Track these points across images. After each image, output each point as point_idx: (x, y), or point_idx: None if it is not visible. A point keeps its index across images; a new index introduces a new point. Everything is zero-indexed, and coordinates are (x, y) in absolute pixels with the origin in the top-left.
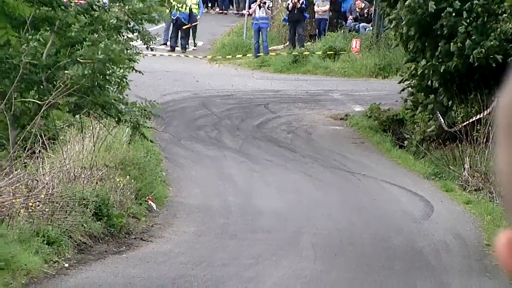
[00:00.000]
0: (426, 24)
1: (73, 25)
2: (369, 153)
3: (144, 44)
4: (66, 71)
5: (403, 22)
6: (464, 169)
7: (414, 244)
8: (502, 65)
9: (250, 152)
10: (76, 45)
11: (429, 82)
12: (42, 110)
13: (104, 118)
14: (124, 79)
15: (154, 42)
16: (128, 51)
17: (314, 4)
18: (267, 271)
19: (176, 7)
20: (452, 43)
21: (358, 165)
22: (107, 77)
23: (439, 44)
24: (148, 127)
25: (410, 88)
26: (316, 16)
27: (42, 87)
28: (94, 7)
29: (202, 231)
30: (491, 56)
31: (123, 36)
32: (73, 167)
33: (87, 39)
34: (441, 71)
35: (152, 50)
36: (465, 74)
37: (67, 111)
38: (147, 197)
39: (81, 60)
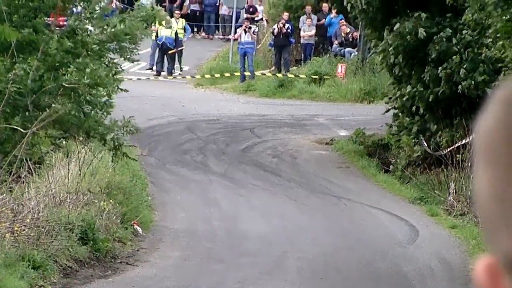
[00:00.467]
0: (414, 50)
1: (56, 49)
2: (354, 178)
3: (124, 60)
4: (53, 105)
5: (391, 48)
6: (449, 193)
7: (399, 268)
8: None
9: (236, 177)
10: (60, 70)
11: (414, 107)
12: (26, 137)
13: (90, 142)
14: (108, 103)
15: (134, 54)
16: (113, 71)
17: (300, 29)
18: None
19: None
20: (441, 69)
21: (343, 189)
22: (91, 101)
23: (425, 69)
24: (130, 145)
25: (395, 110)
26: (302, 41)
27: (27, 113)
28: (77, 31)
29: (188, 255)
30: (481, 89)
31: (107, 57)
32: (58, 192)
33: (71, 64)
34: (427, 97)
35: (133, 62)
36: (451, 100)
37: (51, 143)
38: (132, 222)
39: (66, 85)
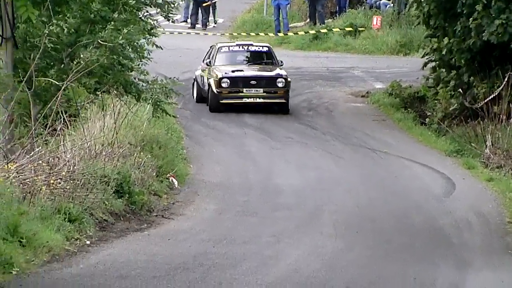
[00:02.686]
0: (447, 2)
1: (93, 3)
2: (390, 131)
3: (165, 18)
4: (81, 55)
5: (424, 0)
6: (486, 146)
7: (435, 221)
8: None
9: (271, 130)
10: (97, 24)
11: (452, 59)
12: (61, 89)
13: (125, 95)
14: (143, 51)
15: (174, 14)
16: (149, 26)
17: None
18: (288, 249)
19: None
20: (471, 20)
21: (379, 142)
22: (127, 56)
23: (459, 21)
24: (170, 103)
25: (432, 63)
26: None
27: (63, 65)
28: None
29: (223, 208)
30: (500, 35)
31: (143, 12)
32: (94, 145)
33: (108, 18)
34: (463, 50)
35: (173, 22)
36: (485, 51)
37: (88, 91)
38: (168, 175)
39: (101, 42)
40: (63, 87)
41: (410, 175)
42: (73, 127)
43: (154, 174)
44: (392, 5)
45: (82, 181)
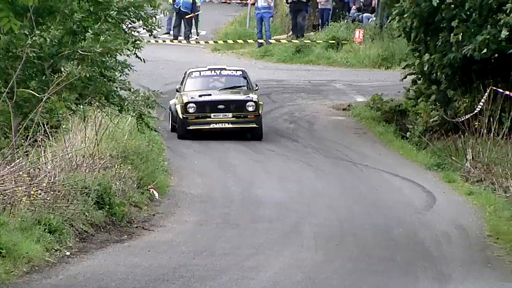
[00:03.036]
0: (429, 16)
1: (75, 13)
2: (371, 144)
3: (148, 32)
4: (68, 68)
5: (406, 14)
6: (467, 160)
7: (416, 235)
8: (503, 57)
9: (252, 143)
10: (79, 35)
11: (433, 74)
12: (43, 101)
13: (107, 106)
14: (126, 65)
15: (157, 30)
16: (132, 38)
17: None
18: (268, 261)
19: None
20: (452, 35)
21: (360, 155)
22: (107, 67)
23: (439, 35)
24: (151, 117)
25: (412, 76)
26: (319, 6)
27: (44, 77)
28: None
29: (203, 220)
30: (483, 51)
31: (127, 25)
32: (75, 156)
33: (89, 29)
34: (444, 64)
35: (154, 37)
36: (466, 66)
37: (67, 107)
38: (149, 186)
39: (81, 52)
40: (44, 99)
41: (390, 188)
42: (54, 138)
43: (135, 185)
44: (374, 18)
45: (63, 192)
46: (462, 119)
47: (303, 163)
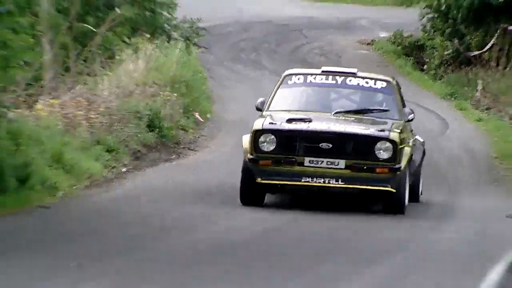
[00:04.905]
0: None
1: None
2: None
3: None
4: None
5: None
6: (477, 90)
7: (431, 157)
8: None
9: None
10: None
11: (449, 13)
12: (98, 35)
13: (156, 39)
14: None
15: None
16: None
17: None
18: None
19: None
20: None
21: None
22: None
23: None
24: (196, 45)
25: (429, 14)
26: None
27: (99, 13)
28: None
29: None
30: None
31: None
32: (128, 84)
33: None
34: (460, 5)
35: None
36: (482, 9)
37: (121, 40)
38: (194, 112)
39: None
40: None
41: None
42: (110, 68)
43: (181, 111)
44: None
45: (118, 116)
46: (474, 53)
47: None
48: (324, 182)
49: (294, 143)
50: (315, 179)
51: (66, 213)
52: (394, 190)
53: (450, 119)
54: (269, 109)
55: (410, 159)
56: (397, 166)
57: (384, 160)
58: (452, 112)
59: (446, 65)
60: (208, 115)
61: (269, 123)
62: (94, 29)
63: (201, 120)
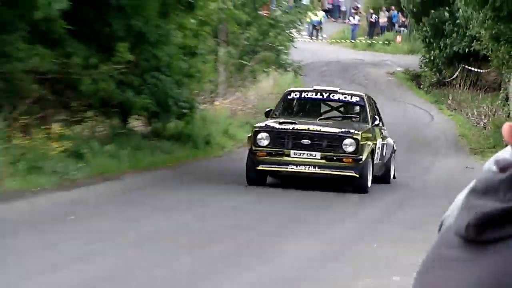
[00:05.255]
0: (437, 29)
1: (263, 25)
2: (404, 91)
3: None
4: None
5: (425, 29)
6: (449, 99)
7: (424, 135)
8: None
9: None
10: (265, 34)
11: (435, 60)
12: (248, 66)
13: (279, 69)
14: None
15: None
16: (291, 37)
17: (379, 18)
18: None
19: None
20: (448, 40)
21: (398, 96)
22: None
23: (442, 39)
24: (299, 73)
25: (423, 60)
26: (380, 23)
27: (251, 56)
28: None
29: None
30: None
31: (288, 31)
32: (263, 93)
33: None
34: (442, 55)
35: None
36: (452, 57)
37: (263, 70)
38: None
39: (269, 44)
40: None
41: (412, 111)
42: (254, 84)
43: None
44: (406, 30)
45: (258, 109)
46: (447, 80)
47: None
48: (305, 169)
49: (282, 140)
50: (298, 167)
51: (229, 160)
52: (357, 176)
53: (434, 114)
54: (273, 116)
55: (373, 153)
56: (359, 157)
57: (350, 153)
58: (436, 110)
59: (432, 86)
60: None
61: (265, 124)
62: (247, 63)
63: None
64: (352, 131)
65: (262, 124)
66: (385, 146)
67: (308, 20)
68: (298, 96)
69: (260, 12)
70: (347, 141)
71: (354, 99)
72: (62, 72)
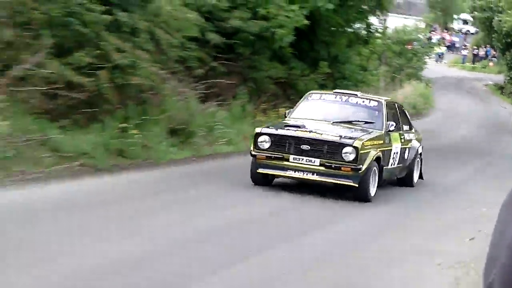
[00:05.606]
0: None
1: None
2: (495, 99)
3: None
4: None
5: (508, 58)
6: None
7: (502, 121)
8: None
9: (460, 96)
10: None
11: None
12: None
13: (416, 80)
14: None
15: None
16: (421, 60)
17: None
18: None
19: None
20: None
21: (493, 100)
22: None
23: None
24: (429, 85)
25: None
26: (474, 52)
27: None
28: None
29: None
30: None
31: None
32: (412, 93)
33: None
34: None
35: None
36: None
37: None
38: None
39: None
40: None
41: (496, 108)
42: (400, 86)
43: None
44: (496, 59)
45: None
46: None
47: (456, 95)
48: (303, 175)
49: (283, 144)
50: (296, 172)
51: None
52: (356, 185)
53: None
54: (291, 116)
55: (384, 158)
56: (358, 166)
57: (349, 162)
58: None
59: (511, 94)
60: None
61: (266, 127)
62: (397, 76)
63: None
64: (353, 139)
65: (264, 128)
66: (407, 150)
67: (435, 51)
68: (317, 98)
69: (406, 46)
70: (347, 149)
71: (372, 104)
72: (287, 78)
